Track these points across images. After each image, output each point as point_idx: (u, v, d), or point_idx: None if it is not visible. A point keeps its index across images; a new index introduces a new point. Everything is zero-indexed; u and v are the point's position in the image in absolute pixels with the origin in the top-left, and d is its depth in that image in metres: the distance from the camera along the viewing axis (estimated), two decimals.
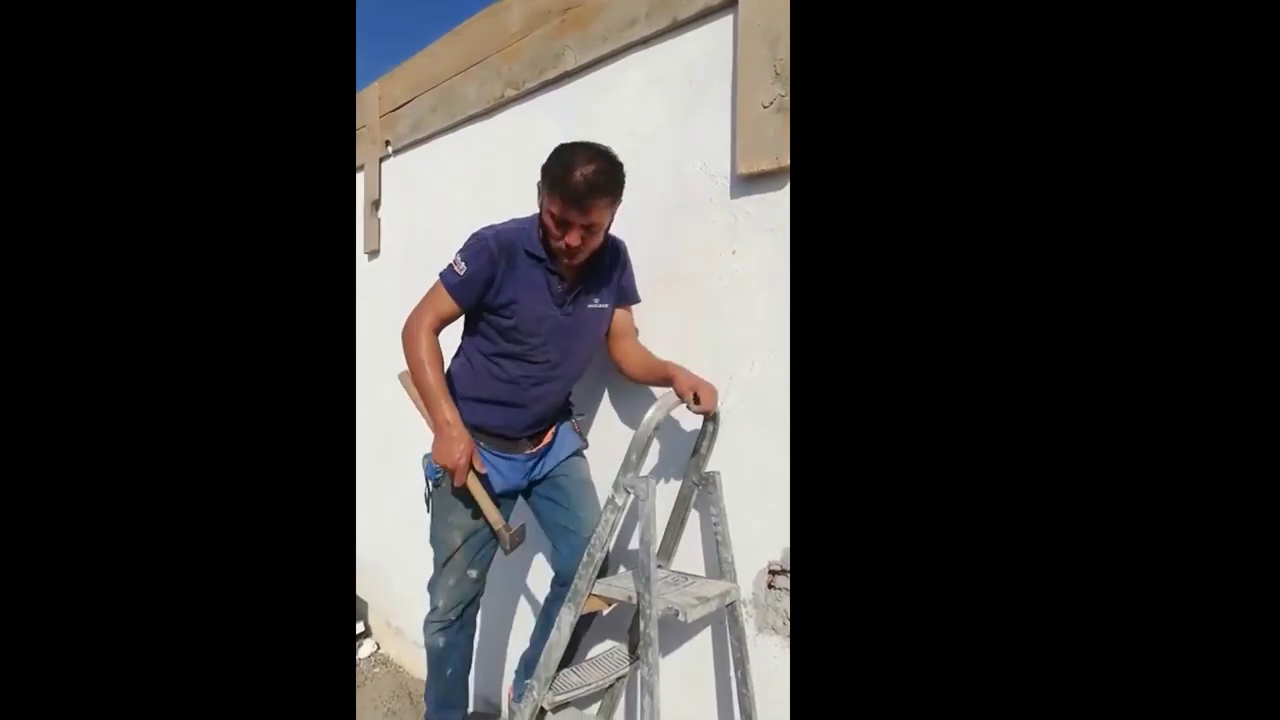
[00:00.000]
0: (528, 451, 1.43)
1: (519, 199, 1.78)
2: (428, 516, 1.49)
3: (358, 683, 2.29)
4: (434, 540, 1.48)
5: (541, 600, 1.61)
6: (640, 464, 1.23)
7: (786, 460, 1.20)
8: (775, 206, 1.25)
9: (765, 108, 1.22)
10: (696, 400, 1.24)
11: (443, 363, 1.37)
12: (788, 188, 1.22)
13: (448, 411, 1.32)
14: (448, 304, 1.33)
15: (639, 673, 1.20)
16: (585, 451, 1.54)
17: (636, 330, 1.45)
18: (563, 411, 1.50)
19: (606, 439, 1.60)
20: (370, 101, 2.56)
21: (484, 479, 1.37)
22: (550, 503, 1.47)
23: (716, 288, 1.36)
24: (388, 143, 2.47)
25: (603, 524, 1.23)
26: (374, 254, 2.59)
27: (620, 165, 1.25)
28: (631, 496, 1.20)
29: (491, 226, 1.35)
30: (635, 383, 1.46)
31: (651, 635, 1.14)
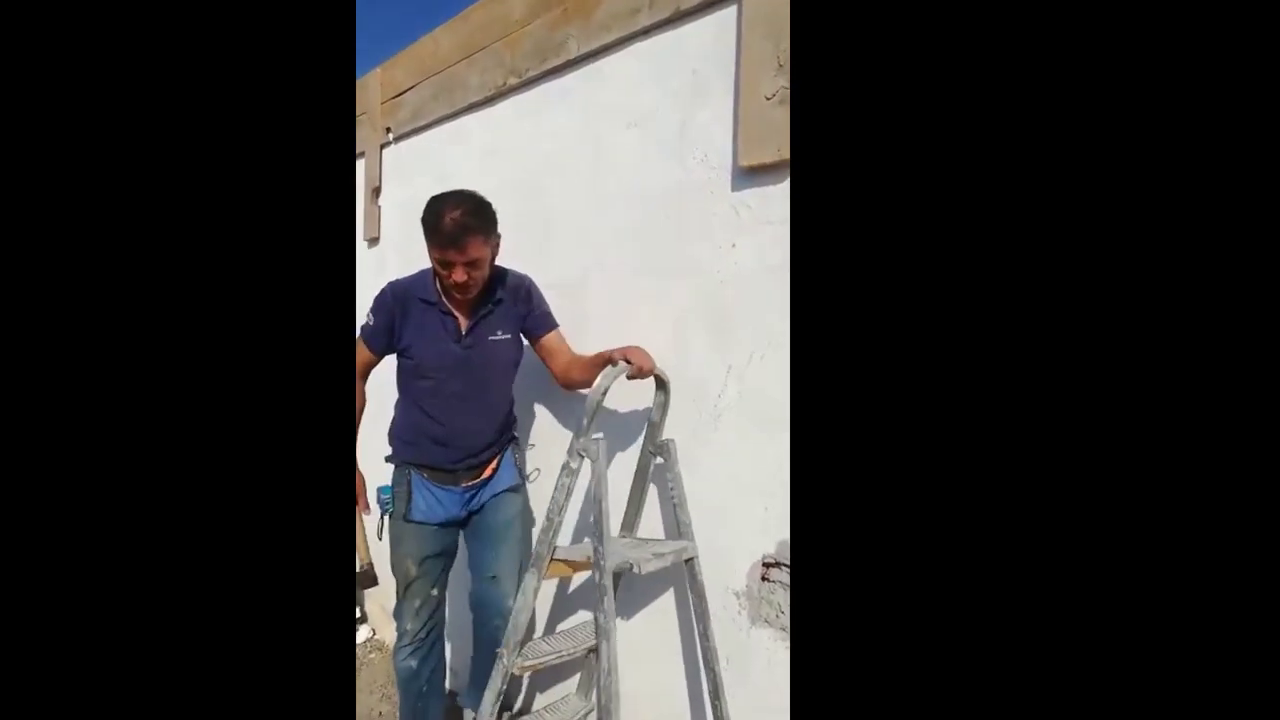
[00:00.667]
0: (465, 484, 1.54)
1: (519, 187, 1.78)
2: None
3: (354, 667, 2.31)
4: (393, 570, 1.59)
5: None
6: (590, 429, 1.29)
7: (783, 453, 1.20)
8: (777, 199, 1.24)
9: (768, 100, 1.21)
10: (629, 362, 1.31)
11: (358, 409, 1.58)
12: (790, 180, 1.22)
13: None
14: (365, 353, 1.54)
15: (596, 618, 1.27)
16: (527, 485, 1.66)
17: (569, 349, 1.56)
18: (502, 444, 1.59)
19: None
20: (372, 88, 2.54)
21: (425, 510, 1.54)
22: (473, 537, 1.61)
23: (715, 280, 1.35)
24: (388, 130, 2.46)
25: (558, 488, 1.30)
26: (374, 241, 2.59)
27: (488, 205, 1.41)
28: (585, 459, 1.28)
29: (394, 281, 1.55)
30: (587, 387, 1.53)
31: (606, 584, 1.23)
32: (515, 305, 1.52)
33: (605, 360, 1.38)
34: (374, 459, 1.64)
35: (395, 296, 1.50)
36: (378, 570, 1.90)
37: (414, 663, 1.59)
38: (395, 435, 1.57)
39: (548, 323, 1.55)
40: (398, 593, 1.59)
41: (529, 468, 1.67)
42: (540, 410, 1.82)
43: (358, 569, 1.57)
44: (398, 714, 1.73)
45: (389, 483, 1.59)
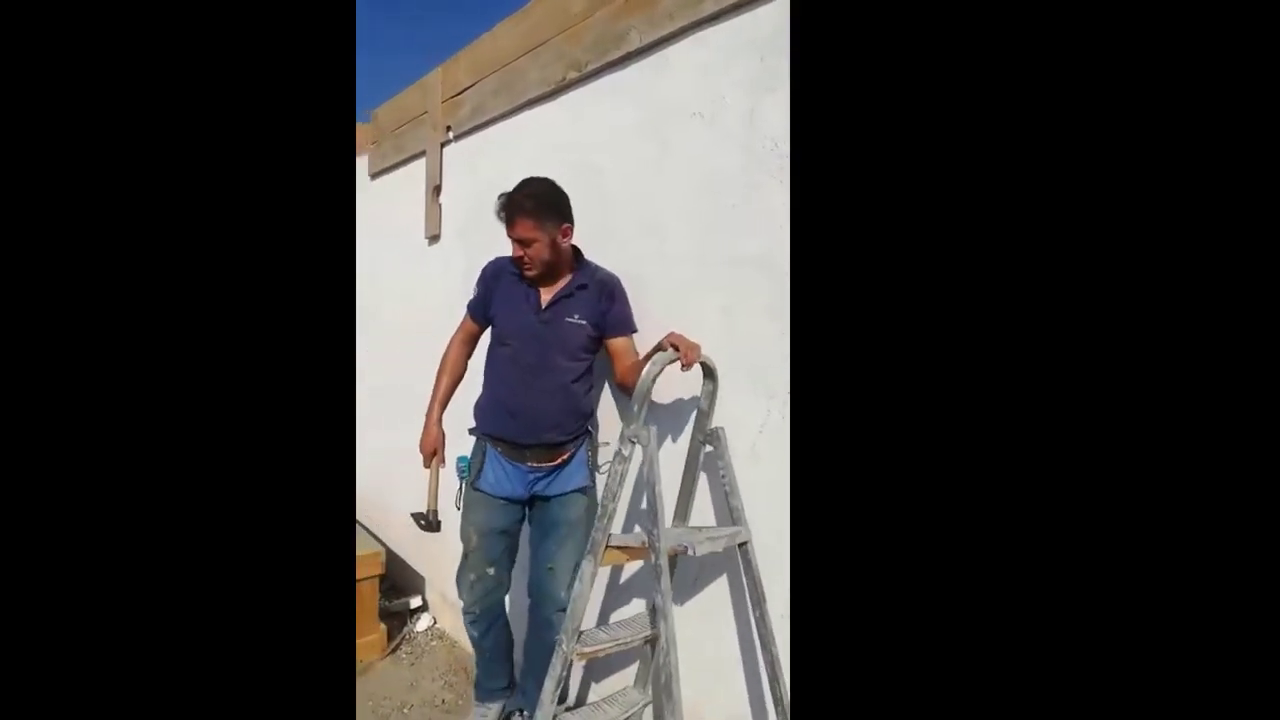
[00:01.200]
0: (530, 464, 1.61)
1: (580, 179, 1.78)
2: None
3: (416, 655, 2.36)
4: (460, 537, 1.69)
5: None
6: (641, 416, 1.32)
7: None
8: None
9: None
10: (675, 348, 1.32)
11: (455, 373, 1.77)
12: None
13: (435, 411, 1.74)
14: (469, 321, 1.75)
15: (654, 599, 1.29)
16: (596, 477, 1.68)
17: (637, 353, 1.58)
18: (573, 431, 1.62)
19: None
20: (432, 88, 2.59)
21: (493, 481, 1.64)
22: (536, 526, 1.68)
23: (783, 271, 1.32)
24: (449, 128, 2.50)
25: (611, 475, 1.33)
26: (435, 239, 2.64)
27: (553, 194, 1.52)
28: (637, 445, 1.31)
29: (497, 257, 1.70)
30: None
31: (663, 565, 1.26)
32: (599, 300, 1.58)
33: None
34: (463, 431, 1.75)
35: (493, 270, 1.68)
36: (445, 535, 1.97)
37: (475, 633, 1.74)
38: (478, 407, 1.69)
39: (623, 327, 1.59)
40: (460, 559, 1.69)
41: (600, 462, 1.69)
42: (613, 410, 1.81)
43: (424, 512, 1.73)
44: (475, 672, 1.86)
45: (470, 454, 1.71)
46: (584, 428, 1.64)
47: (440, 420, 1.74)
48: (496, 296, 1.65)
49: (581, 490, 1.62)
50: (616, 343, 1.58)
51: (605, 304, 1.58)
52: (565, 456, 1.61)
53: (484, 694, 1.83)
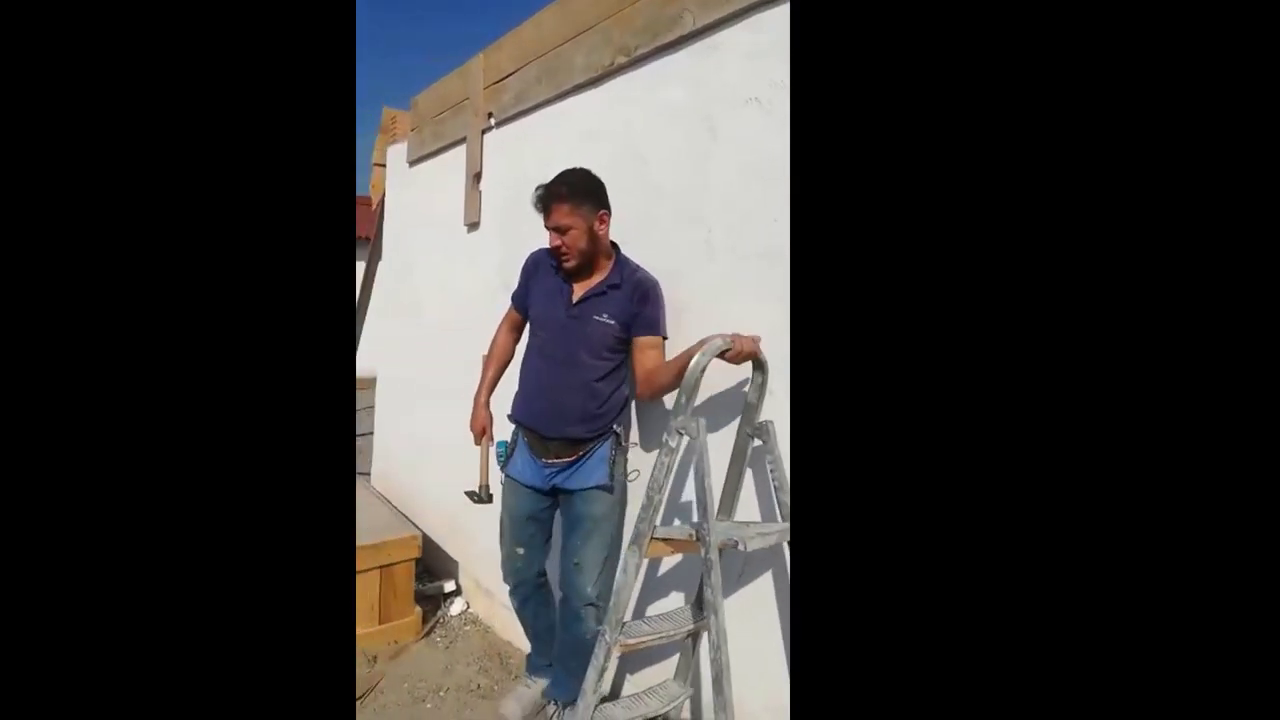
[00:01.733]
0: (546, 460, 1.64)
1: (624, 167, 1.75)
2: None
3: (450, 638, 2.38)
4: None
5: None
6: (689, 406, 1.31)
7: None
8: None
9: None
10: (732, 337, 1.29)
11: (502, 358, 1.84)
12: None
13: (484, 394, 1.82)
14: (512, 311, 1.82)
15: (704, 593, 1.27)
16: (627, 483, 1.67)
17: (662, 358, 1.57)
18: (597, 429, 1.61)
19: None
20: (474, 74, 2.58)
21: (519, 468, 1.70)
22: (564, 520, 1.71)
23: None
24: (490, 115, 2.49)
25: (658, 466, 1.30)
26: (474, 226, 2.64)
27: (588, 181, 1.54)
28: (685, 437, 1.28)
29: (538, 249, 1.72)
30: (667, 392, 1.55)
31: (713, 559, 1.23)
32: (630, 301, 1.56)
33: (689, 358, 1.36)
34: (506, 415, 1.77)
35: (534, 261, 1.73)
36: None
37: (514, 604, 1.83)
38: (516, 394, 1.73)
39: (649, 327, 1.56)
40: (499, 536, 1.79)
41: (629, 468, 1.67)
42: (642, 413, 1.80)
43: (476, 489, 1.80)
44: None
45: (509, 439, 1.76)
46: (609, 426, 1.62)
47: (488, 403, 1.81)
48: (533, 287, 1.69)
49: (603, 487, 1.61)
50: (639, 340, 1.56)
51: (637, 306, 1.56)
52: (584, 451, 1.61)
53: (531, 667, 1.89)
